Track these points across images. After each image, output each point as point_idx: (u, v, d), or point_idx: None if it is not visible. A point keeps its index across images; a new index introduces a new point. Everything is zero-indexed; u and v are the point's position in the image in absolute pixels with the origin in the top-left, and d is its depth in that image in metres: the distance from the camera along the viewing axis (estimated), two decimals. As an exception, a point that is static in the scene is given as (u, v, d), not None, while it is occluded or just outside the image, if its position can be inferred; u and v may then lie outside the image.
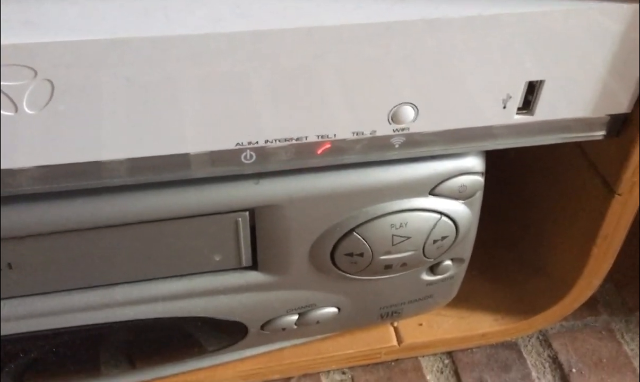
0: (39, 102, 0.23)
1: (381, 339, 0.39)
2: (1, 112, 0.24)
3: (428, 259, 0.32)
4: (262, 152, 0.27)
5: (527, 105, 0.28)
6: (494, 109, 0.28)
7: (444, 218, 0.31)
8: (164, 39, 0.23)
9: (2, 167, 0.25)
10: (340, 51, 0.25)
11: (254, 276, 0.32)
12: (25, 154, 0.25)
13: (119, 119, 0.25)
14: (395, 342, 0.39)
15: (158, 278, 0.31)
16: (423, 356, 0.39)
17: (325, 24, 0.24)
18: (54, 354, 0.33)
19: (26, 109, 0.24)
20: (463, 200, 0.31)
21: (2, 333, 0.31)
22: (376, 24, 0.24)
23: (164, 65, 0.24)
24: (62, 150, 0.25)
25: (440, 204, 0.30)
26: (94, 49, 0.23)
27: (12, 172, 0.25)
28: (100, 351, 0.34)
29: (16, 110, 0.24)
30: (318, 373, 0.39)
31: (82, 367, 0.34)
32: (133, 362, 0.35)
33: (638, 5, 0.25)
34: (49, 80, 0.23)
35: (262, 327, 0.34)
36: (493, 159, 0.31)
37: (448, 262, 0.34)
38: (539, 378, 0.38)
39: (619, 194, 0.32)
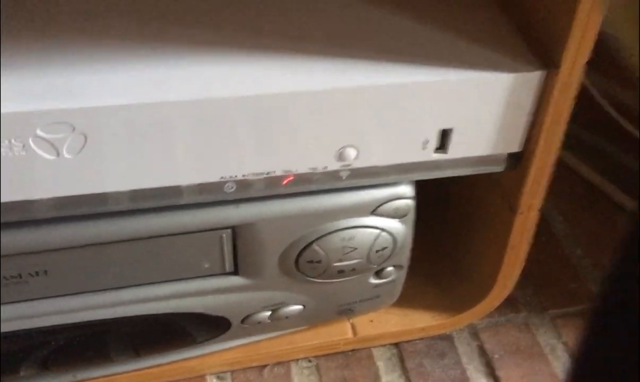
0: (75, 149, 0.32)
1: (340, 332, 0.47)
2: (46, 156, 0.32)
3: (372, 266, 0.41)
4: (241, 183, 0.36)
5: (443, 146, 0.37)
6: (416, 150, 0.37)
7: (383, 233, 0.39)
8: (166, 104, 0.32)
9: (36, 198, 0.33)
10: (295, 111, 0.33)
11: (235, 280, 0.40)
12: (57, 187, 0.34)
13: (130, 160, 0.33)
14: (351, 335, 0.47)
15: (158, 282, 0.39)
16: (374, 347, 0.48)
17: (284, 91, 0.33)
18: (71, 344, 0.41)
19: (65, 154, 0.32)
20: (398, 218, 0.39)
21: (33, 327, 0.38)
22: (322, 91, 0.33)
23: (166, 123, 0.32)
24: (86, 184, 0.34)
25: (380, 222, 0.39)
26: (115, 112, 0.31)
27: (43, 201, 0.34)
28: (108, 341, 0.42)
29: (58, 155, 0.32)
30: (289, 361, 0.47)
31: (93, 354, 0.42)
32: (137, 350, 0.42)
33: (513, 75, 0.34)
34: (83, 134, 0.31)
35: (242, 321, 0.42)
36: (429, 184, 0.40)
37: (390, 268, 0.42)
38: (467, 363, 0.47)
39: (520, 213, 0.40)
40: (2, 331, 0.38)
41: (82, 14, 0.36)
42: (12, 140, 0.31)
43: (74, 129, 0.31)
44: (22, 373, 0.41)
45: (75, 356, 0.42)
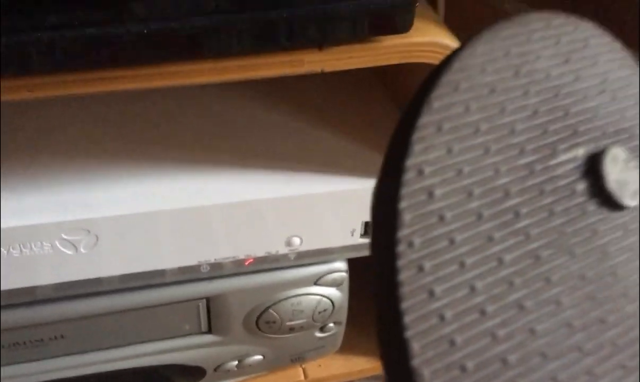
0: (90, 246, 0.43)
1: (294, 376, 0.58)
2: (66, 251, 0.43)
3: (317, 323, 0.52)
4: (213, 265, 0.47)
5: (366, 232, 0.49)
6: (346, 236, 0.49)
7: (324, 299, 0.51)
8: (156, 212, 0.43)
9: (51, 282, 0.44)
10: (253, 214, 0.45)
11: (209, 337, 0.51)
12: (71, 273, 0.45)
13: (130, 251, 0.44)
14: (303, 378, 0.58)
15: (148, 341, 0.50)
16: (322, 386, 0.59)
17: (244, 200, 0.44)
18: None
19: (82, 250, 0.43)
20: (335, 287, 0.51)
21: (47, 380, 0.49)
22: (272, 199, 0.45)
23: (156, 225, 0.43)
24: (94, 270, 0.45)
25: (321, 290, 0.51)
26: (118, 220, 0.42)
27: (55, 285, 0.44)
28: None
29: (76, 251, 0.43)
30: (252, 400, 0.58)
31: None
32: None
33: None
34: (96, 235, 0.43)
35: (215, 369, 0.53)
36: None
37: (331, 325, 0.54)
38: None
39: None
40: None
41: (78, 139, 0.47)
42: (44, 242, 0.42)
43: (89, 232, 0.42)
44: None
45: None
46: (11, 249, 0.41)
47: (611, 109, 0.23)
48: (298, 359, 0.56)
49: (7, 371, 0.47)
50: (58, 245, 0.42)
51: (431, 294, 0.19)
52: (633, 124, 0.24)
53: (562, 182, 0.22)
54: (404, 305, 0.19)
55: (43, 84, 0.35)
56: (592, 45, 0.24)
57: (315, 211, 0.46)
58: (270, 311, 0.50)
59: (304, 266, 0.49)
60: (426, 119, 0.20)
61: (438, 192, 0.20)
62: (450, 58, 0.21)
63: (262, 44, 0.36)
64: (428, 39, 0.39)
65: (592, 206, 0.22)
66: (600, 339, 0.20)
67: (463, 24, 0.72)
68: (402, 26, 0.38)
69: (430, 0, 0.67)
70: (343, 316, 0.54)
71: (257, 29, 0.35)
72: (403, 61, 0.40)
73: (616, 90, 0.24)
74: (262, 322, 0.51)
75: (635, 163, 0.22)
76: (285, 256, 0.48)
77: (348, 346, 0.58)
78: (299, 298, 0.50)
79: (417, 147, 0.20)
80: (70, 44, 0.33)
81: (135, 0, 0.32)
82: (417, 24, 0.39)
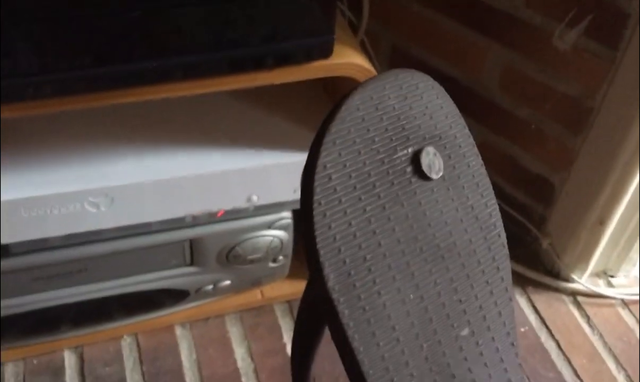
0: (107, 206, 0.60)
1: (254, 295, 0.78)
2: (90, 209, 0.60)
3: (270, 257, 0.72)
4: (195, 216, 0.65)
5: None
6: (291, 194, 0.68)
7: (275, 239, 0.70)
8: (153, 181, 0.61)
9: (80, 231, 0.62)
10: (224, 182, 0.63)
11: (192, 269, 0.70)
12: (95, 224, 0.62)
13: (134, 208, 0.62)
14: (260, 297, 0.78)
15: (146, 272, 0.68)
16: (275, 303, 0.79)
17: (217, 170, 0.63)
18: (92, 308, 0.69)
19: (102, 209, 0.60)
20: (283, 230, 0.70)
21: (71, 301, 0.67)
22: (238, 170, 0.63)
23: (153, 191, 0.61)
24: (107, 222, 0.62)
25: (273, 233, 0.70)
26: (126, 187, 0.60)
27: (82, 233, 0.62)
28: (113, 308, 0.71)
29: (98, 209, 0.60)
30: (223, 315, 0.77)
31: (103, 315, 0.71)
32: (130, 312, 0.72)
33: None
34: (112, 198, 0.60)
35: (196, 292, 0.72)
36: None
37: (281, 257, 0.73)
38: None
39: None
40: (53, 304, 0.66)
41: (94, 127, 0.64)
42: (75, 204, 0.59)
43: (107, 195, 0.60)
44: (62, 328, 0.70)
45: (96, 316, 0.70)
46: (53, 210, 0.59)
47: (429, 124, 0.43)
48: (256, 283, 0.76)
49: (47, 295, 0.64)
50: (86, 206, 0.59)
51: (329, 227, 0.39)
52: (442, 132, 0.43)
53: (399, 167, 0.41)
54: (316, 233, 0.38)
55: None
56: (421, 87, 0.43)
57: (268, 176, 0.65)
58: (237, 248, 0.69)
59: (261, 216, 0.68)
60: (327, 138, 0.39)
61: (334, 177, 0.39)
62: (340, 102, 0.40)
63: (232, 68, 0.54)
64: (344, 60, 0.58)
65: (414, 179, 0.41)
66: (413, 246, 0.40)
67: (384, 21, 0.92)
68: (325, 54, 0.56)
69: (356, 1, 0.85)
70: (289, 251, 0.73)
71: (229, 60, 0.53)
72: (328, 75, 0.58)
73: (433, 112, 0.43)
74: (231, 256, 0.70)
75: (439, 155, 0.42)
76: (247, 209, 0.67)
77: (294, 273, 0.78)
78: (257, 239, 0.69)
79: (322, 153, 0.39)
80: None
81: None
82: (337, 48, 0.58)
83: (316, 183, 0.39)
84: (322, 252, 0.38)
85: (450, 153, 0.44)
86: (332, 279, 0.38)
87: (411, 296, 0.40)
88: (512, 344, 0.44)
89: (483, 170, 0.45)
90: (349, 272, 0.39)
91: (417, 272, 0.41)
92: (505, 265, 0.45)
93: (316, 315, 0.47)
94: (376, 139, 0.41)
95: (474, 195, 0.44)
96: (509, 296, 0.45)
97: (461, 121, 0.45)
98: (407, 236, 0.41)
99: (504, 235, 0.45)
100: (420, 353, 0.40)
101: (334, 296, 0.38)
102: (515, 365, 0.44)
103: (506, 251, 0.45)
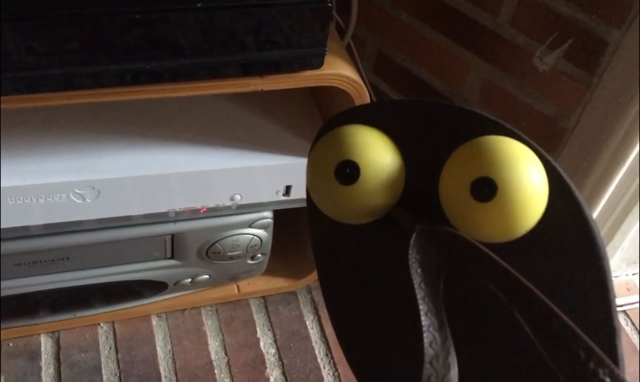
0: (93, 198, 0.61)
1: (230, 290, 0.80)
2: (75, 200, 0.61)
3: (249, 254, 0.73)
4: (178, 212, 0.67)
5: (287, 192, 0.70)
6: (273, 195, 0.69)
7: (255, 238, 0.72)
8: (139, 176, 0.62)
9: (64, 221, 0.62)
10: (207, 180, 0.65)
11: (172, 262, 0.71)
12: (77, 215, 0.63)
13: (119, 202, 0.63)
14: (237, 292, 0.80)
15: (128, 263, 0.70)
16: (250, 298, 0.81)
17: (201, 169, 0.64)
18: (72, 296, 0.70)
19: (88, 201, 0.61)
20: (264, 229, 0.72)
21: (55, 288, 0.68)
22: (222, 169, 0.65)
23: (138, 185, 0.62)
24: (93, 213, 0.63)
25: (253, 231, 0.71)
26: (114, 181, 0.61)
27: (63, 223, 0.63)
28: (94, 296, 0.72)
29: (84, 200, 0.61)
30: (199, 307, 0.79)
31: (84, 303, 0.72)
32: (109, 300, 0.73)
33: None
34: (98, 190, 0.61)
35: (174, 284, 0.73)
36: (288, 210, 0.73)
37: (259, 255, 0.75)
38: (303, 307, 0.81)
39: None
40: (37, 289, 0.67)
41: (83, 121, 0.65)
42: (62, 194, 0.60)
43: (93, 188, 0.61)
44: (40, 313, 0.70)
45: (74, 303, 0.71)
46: (39, 199, 0.59)
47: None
48: (234, 278, 0.77)
49: (27, 281, 0.65)
50: (72, 196, 0.60)
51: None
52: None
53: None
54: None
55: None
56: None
57: (252, 177, 0.66)
58: (217, 244, 0.71)
59: (242, 214, 0.70)
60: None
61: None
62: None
63: (224, 73, 0.55)
64: (333, 71, 0.60)
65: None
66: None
67: (372, 27, 0.93)
68: (316, 65, 0.58)
69: (344, 3, 0.87)
70: (268, 249, 0.75)
71: (224, 65, 0.54)
72: (317, 85, 0.60)
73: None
74: (211, 252, 0.71)
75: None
76: (229, 207, 0.68)
77: (270, 270, 0.80)
78: (237, 236, 0.71)
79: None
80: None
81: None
82: (327, 58, 0.59)
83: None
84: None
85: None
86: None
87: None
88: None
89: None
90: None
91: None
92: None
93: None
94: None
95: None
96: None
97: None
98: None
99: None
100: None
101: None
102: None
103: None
